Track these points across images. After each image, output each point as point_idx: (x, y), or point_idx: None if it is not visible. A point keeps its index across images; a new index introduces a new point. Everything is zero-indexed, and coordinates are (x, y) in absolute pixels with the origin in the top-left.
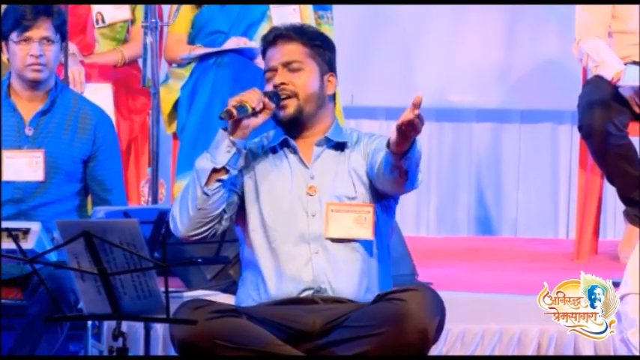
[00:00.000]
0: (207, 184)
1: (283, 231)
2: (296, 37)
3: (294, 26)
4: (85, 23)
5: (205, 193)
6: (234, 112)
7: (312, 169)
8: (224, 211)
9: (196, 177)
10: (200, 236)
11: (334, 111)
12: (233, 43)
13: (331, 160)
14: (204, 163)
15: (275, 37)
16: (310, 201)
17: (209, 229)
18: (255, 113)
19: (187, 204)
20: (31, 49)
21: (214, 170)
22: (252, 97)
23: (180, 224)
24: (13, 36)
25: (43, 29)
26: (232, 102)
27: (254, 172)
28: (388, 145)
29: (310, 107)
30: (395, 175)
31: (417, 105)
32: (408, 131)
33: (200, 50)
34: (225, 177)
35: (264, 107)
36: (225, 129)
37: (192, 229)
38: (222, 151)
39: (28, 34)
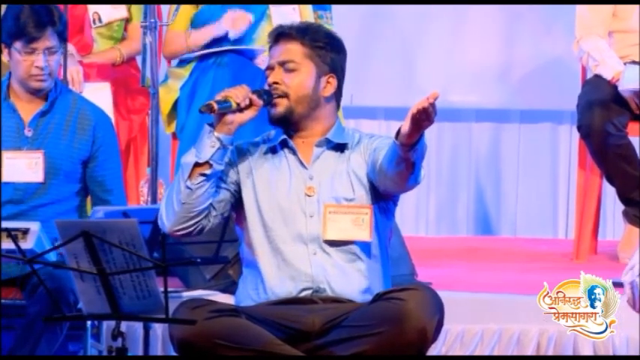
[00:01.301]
0: (190, 178)
1: (282, 231)
2: (297, 37)
3: (299, 25)
4: (83, 23)
5: (189, 188)
6: (215, 106)
7: (311, 169)
8: (212, 207)
9: (180, 171)
10: (185, 232)
11: (336, 112)
12: (229, 18)
13: (331, 161)
14: (189, 157)
15: (277, 35)
16: (309, 202)
17: (194, 224)
18: (240, 109)
19: (172, 199)
20: (35, 61)
21: (198, 164)
22: (238, 93)
23: (166, 219)
24: (17, 45)
25: (48, 40)
26: (217, 96)
27: (252, 172)
28: (397, 136)
29: (302, 108)
30: (401, 168)
31: (433, 98)
32: (422, 120)
33: (195, 36)
34: (208, 171)
35: (251, 104)
36: (210, 124)
37: (177, 224)
38: (206, 145)
39: (33, 45)
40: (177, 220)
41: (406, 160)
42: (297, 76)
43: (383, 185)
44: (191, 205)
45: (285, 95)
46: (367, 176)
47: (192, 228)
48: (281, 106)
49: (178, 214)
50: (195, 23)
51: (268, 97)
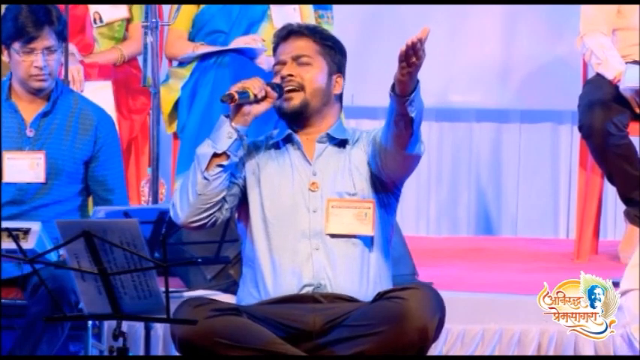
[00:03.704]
0: (207, 169)
1: (284, 226)
2: (308, 34)
3: (308, 25)
4: (84, 23)
5: (206, 178)
6: (236, 95)
7: (315, 165)
8: (224, 200)
9: (197, 162)
10: (200, 223)
11: (340, 112)
12: (241, 42)
13: (333, 157)
14: (205, 148)
15: (288, 32)
16: (312, 197)
17: (209, 216)
18: (257, 100)
19: (187, 190)
20: (34, 61)
21: (215, 155)
22: (255, 84)
23: (181, 211)
24: (16, 46)
25: (46, 39)
26: (235, 87)
27: (257, 168)
28: (393, 89)
29: (316, 102)
30: (400, 127)
31: (423, 37)
32: (410, 57)
33: (202, 49)
34: (225, 162)
35: (267, 96)
36: (227, 116)
37: (192, 216)
38: (223, 136)
39: (31, 45)
40: (193, 212)
41: (404, 116)
42: (312, 70)
43: (384, 164)
44: (207, 196)
45: (301, 88)
46: (368, 167)
47: (206, 220)
48: (297, 100)
49: (194, 205)
50: (197, 24)
51: (280, 91)
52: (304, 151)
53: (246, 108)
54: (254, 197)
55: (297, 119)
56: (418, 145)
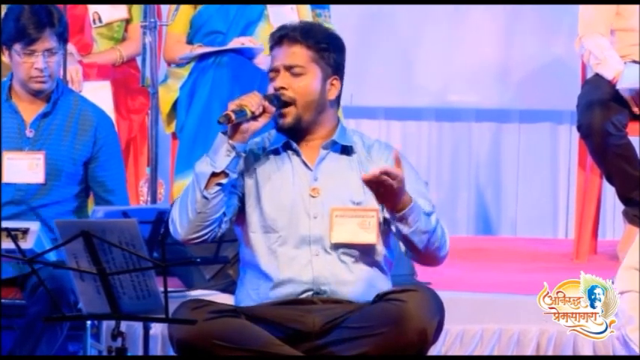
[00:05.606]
0: (206, 187)
1: (284, 232)
2: (301, 40)
3: (302, 27)
4: (83, 23)
5: (205, 197)
6: (233, 116)
7: (316, 171)
8: (224, 214)
9: (196, 181)
10: (200, 239)
11: (337, 113)
12: (237, 42)
13: (337, 163)
14: (204, 167)
15: (281, 37)
16: (313, 203)
17: (209, 232)
18: (254, 117)
19: (187, 207)
20: (35, 63)
21: (214, 174)
22: (252, 101)
23: (180, 228)
24: (17, 47)
25: (47, 41)
26: (232, 106)
27: (255, 174)
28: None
29: (309, 114)
30: (405, 246)
31: (389, 171)
32: (373, 189)
33: (200, 50)
34: (224, 181)
35: (264, 111)
36: (224, 133)
37: (192, 233)
38: (221, 155)
39: (32, 47)
40: (193, 229)
41: (400, 235)
42: (304, 80)
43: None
44: (207, 213)
45: (293, 102)
46: None
47: (207, 236)
48: (289, 117)
49: (193, 222)
50: (194, 25)
51: (279, 102)
52: (303, 156)
53: (244, 125)
54: (252, 203)
55: (294, 133)
56: (434, 257)
